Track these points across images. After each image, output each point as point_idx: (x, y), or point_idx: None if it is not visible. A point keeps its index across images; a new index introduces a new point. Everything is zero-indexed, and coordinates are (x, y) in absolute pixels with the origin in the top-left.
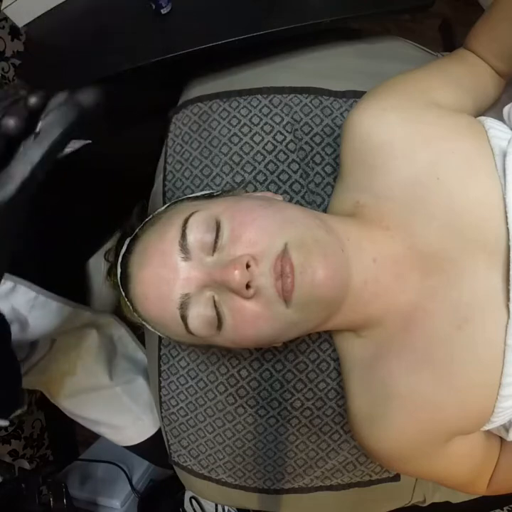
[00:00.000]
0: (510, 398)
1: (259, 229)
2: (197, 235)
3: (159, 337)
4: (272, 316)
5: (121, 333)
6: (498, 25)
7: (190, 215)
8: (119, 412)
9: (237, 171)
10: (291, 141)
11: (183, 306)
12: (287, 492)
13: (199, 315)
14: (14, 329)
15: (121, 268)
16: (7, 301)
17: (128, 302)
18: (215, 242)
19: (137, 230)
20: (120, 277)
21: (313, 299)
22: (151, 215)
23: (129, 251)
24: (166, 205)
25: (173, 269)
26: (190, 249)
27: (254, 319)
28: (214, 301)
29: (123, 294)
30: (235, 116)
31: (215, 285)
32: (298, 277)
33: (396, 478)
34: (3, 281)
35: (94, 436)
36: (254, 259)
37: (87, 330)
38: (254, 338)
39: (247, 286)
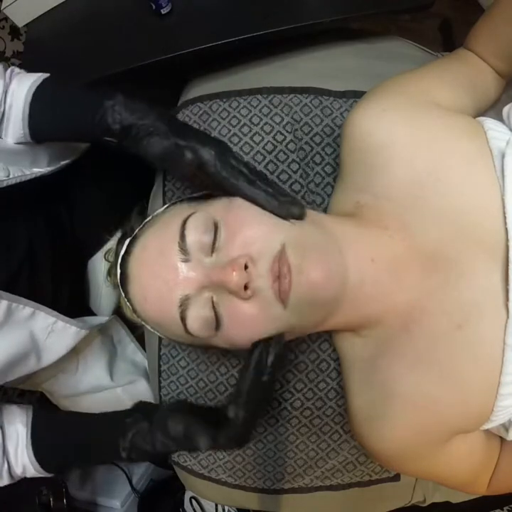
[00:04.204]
0: (509, 397)
1: (257, 229)
2: (195, 236)
3: (159, 337)
4: (269, 318)
5: (121, 335)
6: (498, 25)
7: (188, 217)
8: None
9: None
10: (291, 141)
11: (182, 307)
12: (287, 492)
13: (198, 316)
14: (32, 361)
15: (120, 269)
16: (26, 328)
17: (128, 303)
18: (214, 242)
19: (137, 231)
20: (120, 278)
21: (310, 300)
22: (150, 216)
23: (128, 252)
24: (165, 206)
25: (172, 270)
26: (189, 250)
27: (251, 321)
28: (212, 302)
29: (123, 294)
30: (235, 116)
31: (214, 286)
32: (295, 278)
33: (396, 478)
34: (22, 306)
35: None
36: (252, 260)
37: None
38: (252, 339)
39: (245, 287)
